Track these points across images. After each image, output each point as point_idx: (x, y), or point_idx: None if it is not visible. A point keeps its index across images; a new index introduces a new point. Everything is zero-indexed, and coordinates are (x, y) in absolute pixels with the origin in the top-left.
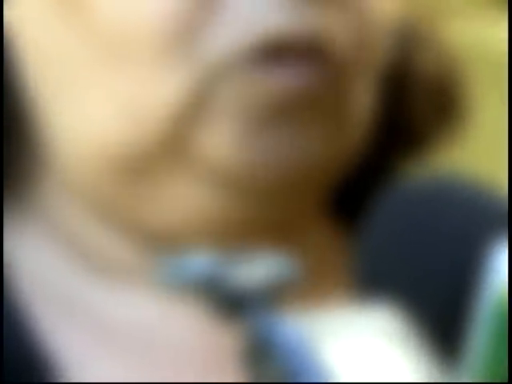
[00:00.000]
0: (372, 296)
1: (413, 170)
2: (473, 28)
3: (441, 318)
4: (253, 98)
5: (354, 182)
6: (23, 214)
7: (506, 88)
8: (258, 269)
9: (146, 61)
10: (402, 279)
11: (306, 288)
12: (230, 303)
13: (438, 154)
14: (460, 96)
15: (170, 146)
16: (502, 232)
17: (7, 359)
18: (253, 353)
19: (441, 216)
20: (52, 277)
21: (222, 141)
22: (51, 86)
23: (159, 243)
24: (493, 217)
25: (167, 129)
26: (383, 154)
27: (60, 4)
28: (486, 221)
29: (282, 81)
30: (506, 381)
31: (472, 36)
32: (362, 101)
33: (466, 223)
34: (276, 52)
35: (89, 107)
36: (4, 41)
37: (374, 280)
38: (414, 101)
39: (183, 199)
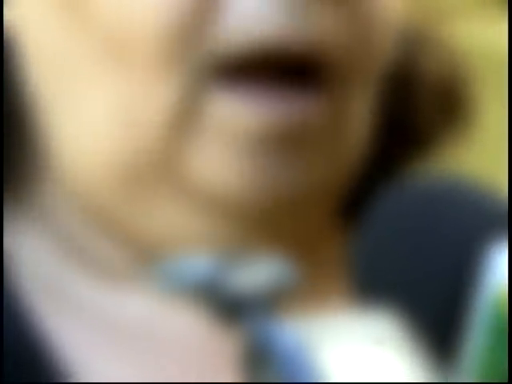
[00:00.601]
0: (370, 302)
1: (416, 171)
2: (473, 28)
3: (439, 321)
4: (243, 123)
5: (357, 184)
6: (25, 216)
7: (506, 88)
8: (256, 274)
9: (144, 64)
10: (401, 283)
11: (304, 293)
12: (229, 308)
13: (441, 155)
14: (465, 97)
15: (162, 158)
16: (501, 234)
17: (12, 357)
18: (251, 358)
19: (441, 219)
20: (55, 277)
21: (211, 159)
22: (51, 88)
23: (155, 250)
24: (494, 219)
25: (158, 138)
26: (387, 156)
27: (61, 5)
28: (486, 223)
29: (275, 113)
30: (506, 381)
31: (472, 36)
32: (363, 112)
33: (467, 225)
34: (275, 71)
35: (86, 110)
36: (5, 42)
37: (373, 285)
38: (418, 102)
39: (174, 213)
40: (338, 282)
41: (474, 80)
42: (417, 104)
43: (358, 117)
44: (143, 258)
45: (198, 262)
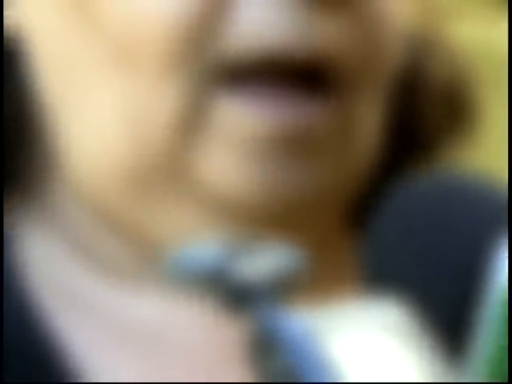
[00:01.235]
0: (379, 292)
1: (424, 170)
2: (473, 30)
3: (449, 317)
4: (250, 127)
5: (366, 187)
6: (34, 215)
7: (507, 89)
8: (264, 262)
9: (152, 67)
10: (409, 275)
11: (313, 282)
12: (237, 297)
13: (447, 155)
14: (470, 100)
15: (169, 160)
16: (505, 231)
17: (20, 355)
18: (259, 346)
19: (451, 216)
20: (64, 276)
21: (219, 161)
22: (58, 89)
23: (163, 251)
24: (503, 216)
25: (166, 141)
26: (395, 159)
27: (69, 7)
28: (496, 220)
29: (281, 117)
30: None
31: (472, 37)
32: (371, 117)
33: (477, 222)
34: (284, 76)
35: (93, 112)
36: (11, 42)
37: (381, 276)
38: (425, 106)
39: (180, 214)
40: (347, 272)
41: (477, 82)
42: (423, 108)
43: (367, 122)
44: (151, 258)
45: (206, 251)
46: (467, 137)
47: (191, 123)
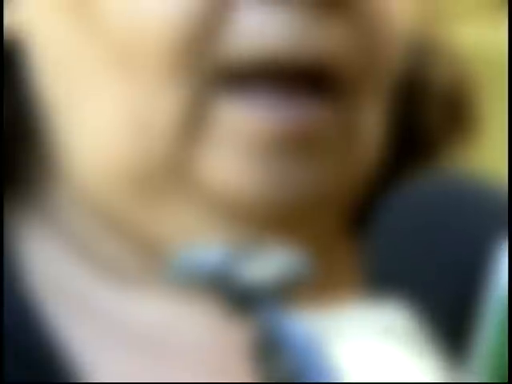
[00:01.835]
0: (381, 295)
1: (425, 172)
2: (472, 31)
3: (452, 316)
4: (253, 128)
5: (369, 190)
6: (36, 218)
7: (506, 89)
8: (269, 265)
9: (154, 69)
10: (411, 277)
11: (316, 285)
12: (241, 299)
13: (449, 157)
14: (472, 104)
15: (172, 161)
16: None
17: (23, 357)
18: (262, 350)
19: (453, 215)
20: (66, 279)
21: (222, 162)
22: (60, 92)
23: (165, 250)
24: (505, 215)
25: (169, 143)
26: (396, 161)
27: (70, 10)
28: (498, 219)
29: (283, 119)
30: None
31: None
32: (373, 120)
33: (478, 222)
34: (284, 77)
35: (95, 115)
36: (12, 44)
37: (384, 279)
38: (427, 110)
39: (185, 216)
40: (350, 275)
41: (477, 85)
42: (424, 111)
43: (369, 123)
44: (153, 259)
45: (210, 253)
46: (468, 139)
47: (194, 124)
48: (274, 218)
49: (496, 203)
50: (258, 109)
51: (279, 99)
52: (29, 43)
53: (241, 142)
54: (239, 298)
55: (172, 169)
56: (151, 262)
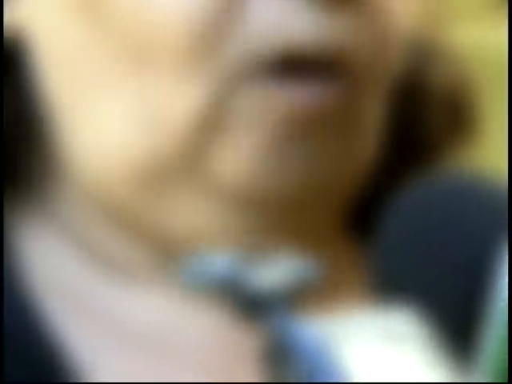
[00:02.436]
0: (389, 299)
1: (428, 172)
2: (472, 32)
3: (459, 317)
4: (271, 113)
5: (370, 188)
6: (38, 217)
7: (506, 89)
8: (278, 271)
9: (167, 66)
10: (417, 279)
11: (325, 291)
12: (250, 305)
13: (450, 158)
14: (473, 105)
15: (187, 158)
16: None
17: (23, 356)
18: (271, 355)
19: (460, 215)
20: (65, 277)
21: (237, 156)
22: (70, 89)
23: (177, 249)
24: (505, 216)
25: (184, 140)
26: (398, 163)
27: (78, 6)
28: (500, 219)
29: (302, 98)
30: None
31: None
32: (377, 114)
33: (485, 221)
34: (297, 65)
35: (106, 112)
36: (17, 45)
37: (392, 282)
38: (428, 111)
39: (197, 212)
40: (357, 280)
41: (478, 86)
42: (425, 113)
43: (372, 116)
44: (164, 258)
45: (220, 260)
46: (468, 140)
47: (209, 120)
48: (286, 210)
49: (500, 202)
50: (272, 98)
51: (290, 84)
52: (31, 40)
53: (256, 134)
54: (249, 303)
55: (185, 164)
56: (159, 260)
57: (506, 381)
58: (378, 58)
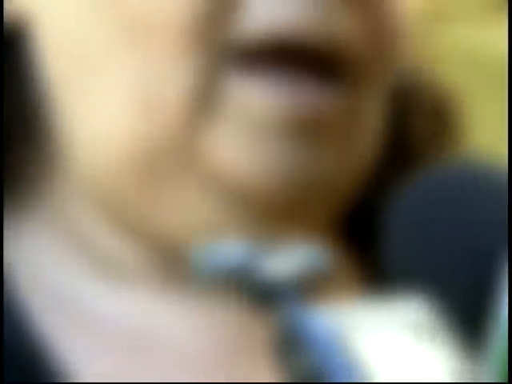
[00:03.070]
0: (400, 289)
1: (435, 162)
2: (472, 32)
3: (468, 307)
4: (263, 109)
5: (372, 183)
6: (32, 215)
7: (506, 89)
8: (289, 260)
9: (164, 48)
10: (426, 269)
11: (336, 280)
12: (261, 294)
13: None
14: (460, 113)
15: (181, 146)
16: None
17: (12, 359)
18: (282, 344)
19: (469, 205)
20: (53, 276)
21: (229, 144)
22: (66, 74)
23: (176, 243)
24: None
25: (180, 121)
26: (401, 156)
27: None
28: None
29: (295, 99)
30: None
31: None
32: (374, 115)
33: (496, 212)
34: (295, 58)
35: (102, 96)
36: (17, 30)
37: (401, 272)
38: (416, 117)
39: (193, 204)
40: (366, 270)
41: (471, 83)
42: (414, 119)
43: (371, 114)
44: (161, 254)
45: (230, 249)
46: (457, 144)
47: (203, 105)
48: (283, 201)
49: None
50: (267, 90)
51: (289, 81)
52: (31, 22)
53: (249, 121)
54: (260, 293)
55: (180, 151)
56: (155, 256)
57: (506, 381)
58: (379, 54)
